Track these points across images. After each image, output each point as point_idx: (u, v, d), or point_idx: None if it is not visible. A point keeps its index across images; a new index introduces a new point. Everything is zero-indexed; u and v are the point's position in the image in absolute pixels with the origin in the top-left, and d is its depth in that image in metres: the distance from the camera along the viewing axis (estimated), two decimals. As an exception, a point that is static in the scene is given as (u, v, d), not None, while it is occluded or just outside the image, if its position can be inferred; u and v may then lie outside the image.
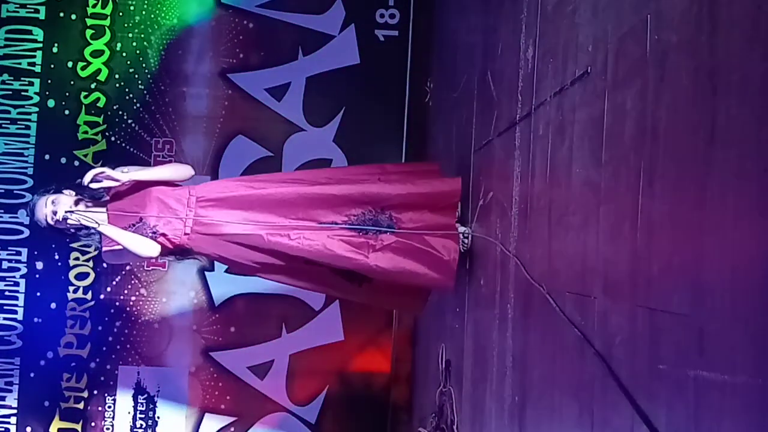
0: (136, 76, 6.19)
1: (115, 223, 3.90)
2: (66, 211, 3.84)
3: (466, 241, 3.93)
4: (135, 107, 6.18)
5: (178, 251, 4.00)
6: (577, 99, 2.53)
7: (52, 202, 3.91)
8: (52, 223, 3.91)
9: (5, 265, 6.13)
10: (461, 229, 3.99)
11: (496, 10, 3.93)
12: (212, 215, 3.91)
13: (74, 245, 5.84)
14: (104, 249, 3.96)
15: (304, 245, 3.87)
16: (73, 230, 3.95)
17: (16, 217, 6.10)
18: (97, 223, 3.84)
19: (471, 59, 4.49)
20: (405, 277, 3.89)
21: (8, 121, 6.11)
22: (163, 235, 3.89)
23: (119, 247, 3.88)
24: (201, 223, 3.90)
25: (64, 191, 3.97)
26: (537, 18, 3.13)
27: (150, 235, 3.90)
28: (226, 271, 6.20)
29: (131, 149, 6.08)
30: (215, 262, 6.16)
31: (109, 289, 6.19)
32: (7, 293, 6.13)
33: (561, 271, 2.60)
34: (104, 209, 3.93)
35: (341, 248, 3.86)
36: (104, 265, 6.17)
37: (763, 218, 1.40)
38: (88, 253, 6.13)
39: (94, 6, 6.18)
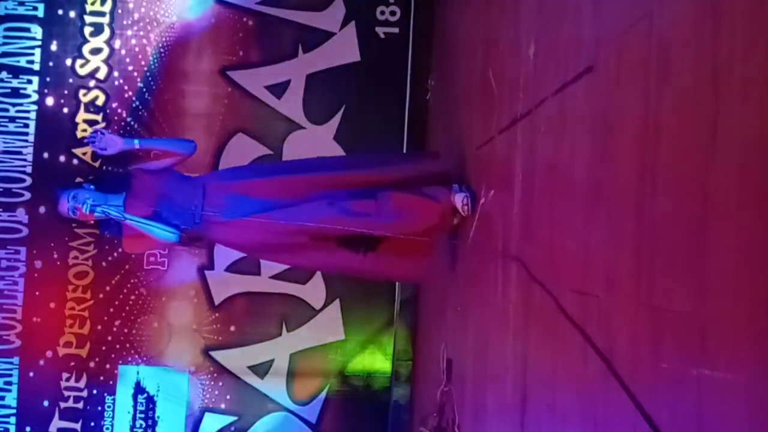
0: (135, 73, 6.18)
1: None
2: (91, 205, 4.13)
3: (465, 207, 4.08)
4: (134, 105, 6.17)
5: (188, 237, 4.33)
6: (579, 96, 2.52)
7: (74, 197, 4.19)
8: (73, 215, 4.24)
9: (4, 263, 6.11)
10: (460, 194, 4.12)
11: (497, 7, 3.92)
12: (221, 204, 4.17)
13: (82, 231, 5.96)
14: (125, 236, 4.29)
15: (311, 214, 4.14)
16: (93, 221, 4.36)
17: (15, 216, 6.09)
18: (121, 214, 4.13)
19: (472, 56, 4.48)
20: (406, 224, 4.18)
21: (7, 119, 6.09)
22: (175, 225, 4.17)
23: (140, 234, 4.22)
24: (211, 212, 4.17)
25: (84, 186, 4.31)
26: (538, 14, 3.12)
27: None
28: (226, 270, 6.20)
29: (131, 147, 6.06)
30: (214, 261, 6.16)
31: (108, 288, 6.17)
32: (6, 292, 6.11)
33: (563, 269, 2.59)
34: (121, 203, 4.20)
35: (345, 213, 4.15)
36: (103, 264, 6.16)
37: (766, 215, 1.39)
38: (87, 252, 6.12)
39: (93, 3, 6.16)
